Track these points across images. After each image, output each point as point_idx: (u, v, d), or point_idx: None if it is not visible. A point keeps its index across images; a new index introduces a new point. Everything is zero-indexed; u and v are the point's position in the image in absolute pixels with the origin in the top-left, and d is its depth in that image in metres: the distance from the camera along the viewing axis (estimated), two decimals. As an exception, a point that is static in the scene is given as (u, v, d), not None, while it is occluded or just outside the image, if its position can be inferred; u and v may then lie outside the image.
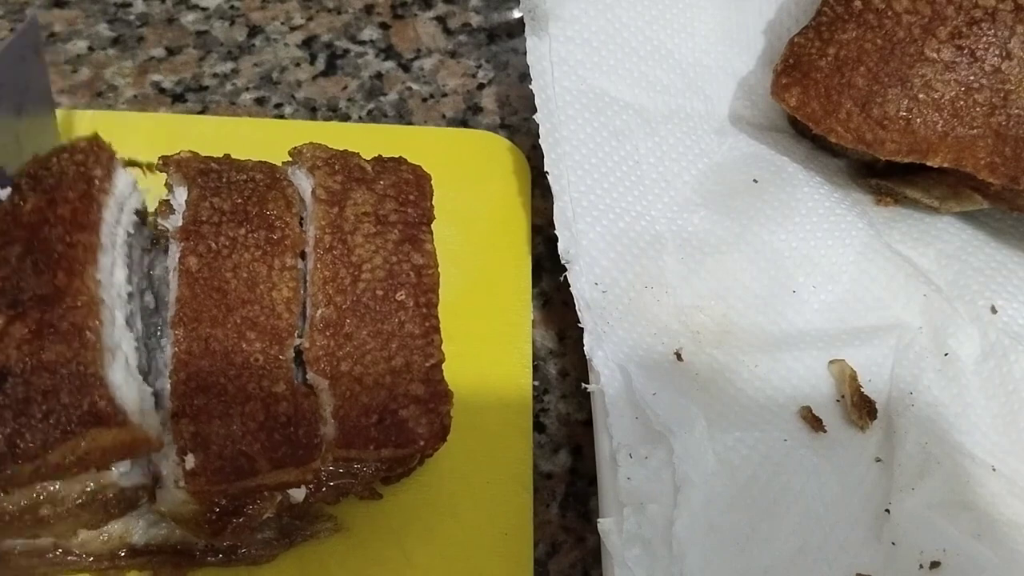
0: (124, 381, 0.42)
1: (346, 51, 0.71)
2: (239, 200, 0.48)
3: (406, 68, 0.71)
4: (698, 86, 0.64)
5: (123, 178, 0.49)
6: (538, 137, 0.58)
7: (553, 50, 0.60)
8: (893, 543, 0.48)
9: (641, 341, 0.53)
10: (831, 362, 0.54)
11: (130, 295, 0.46)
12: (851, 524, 0.49)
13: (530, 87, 0.59)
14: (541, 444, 0.55)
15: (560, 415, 0.56)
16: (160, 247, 0.50)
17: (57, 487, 0.41)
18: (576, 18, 0.61)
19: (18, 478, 0.39)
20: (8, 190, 0.45)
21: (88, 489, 0.42)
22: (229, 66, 0.69)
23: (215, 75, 0.69)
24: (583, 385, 0.52)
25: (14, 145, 0.50)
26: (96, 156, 0.46)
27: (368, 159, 0.52)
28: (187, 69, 0.69)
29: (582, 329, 0.53)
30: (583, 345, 0.52)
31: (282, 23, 0.72)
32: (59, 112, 0.57)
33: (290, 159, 0.52)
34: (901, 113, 0.56)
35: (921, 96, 0.55)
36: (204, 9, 0.72)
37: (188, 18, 0.72)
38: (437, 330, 0.47)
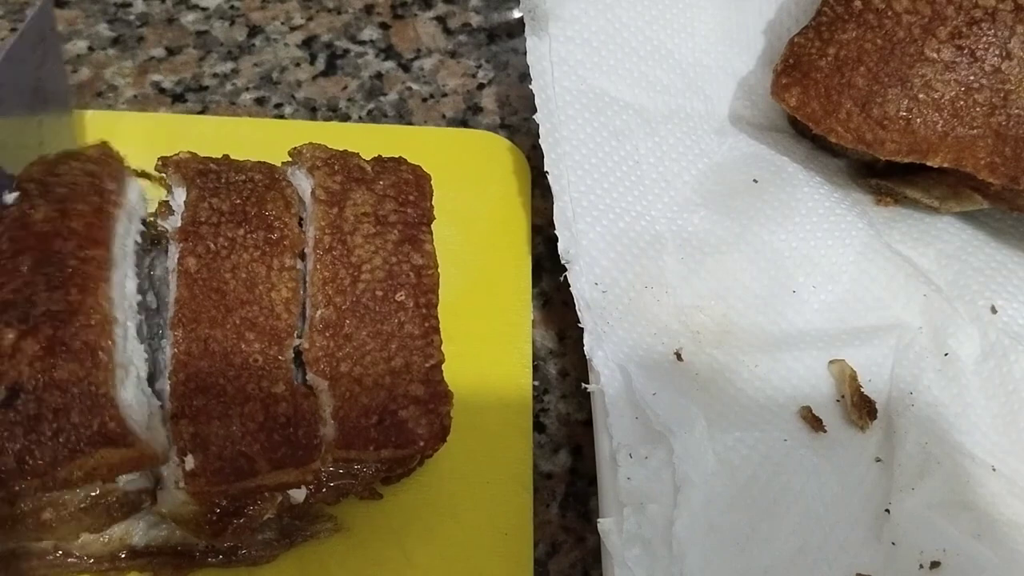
0: (134, 398, 0.42)
1: (346, 51, 0.71)
2: (238, 201, 0.48)
3: (406, 68, 0.71)
4: (698, 86, 0.64)
5: (134, 190, 0.49)
6: (538, 137, 0.58)
7: (553, 50, 0.60)
8: (893, 543, 0.48)
9: (641, 341, 0.53)
10: (831, 362, 0.54)
11: (140, 304, 0.46)
12: (851, 524, 0.49)
13: (530, 87, 0.59)
14: (541, 444, 0.55)
15: (560, 415, 0.56)
16: (161, 247, 0.50)
17: (60, 492, 0.41)
18: (576, 18, 0.61)
19: (25, 493, 0.39)
20: (10, 192, 0.45)
21: (91, 494, 0.42)
22: (229, 66, 0.69)
23: (215, 75, 0.69)
24: (583, 385, 0.52)
25: (35, 129, 0.49)
26: (108, 167, 0.47)
27: (368, 159, 0.52)
28: (187, 69, 0.69)
29: (582, 329, 0.53)
30: (583, 345, 0.52)
31: (282, 23, 0.72)
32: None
33: (290, 159, 0.52)
34: (901, 113, 0.56)
35: (921, 96, 0.55)
36: (204, 9, 0.72)
37: (188, 18, 0.72)
38: (437, 330, 0.48)
